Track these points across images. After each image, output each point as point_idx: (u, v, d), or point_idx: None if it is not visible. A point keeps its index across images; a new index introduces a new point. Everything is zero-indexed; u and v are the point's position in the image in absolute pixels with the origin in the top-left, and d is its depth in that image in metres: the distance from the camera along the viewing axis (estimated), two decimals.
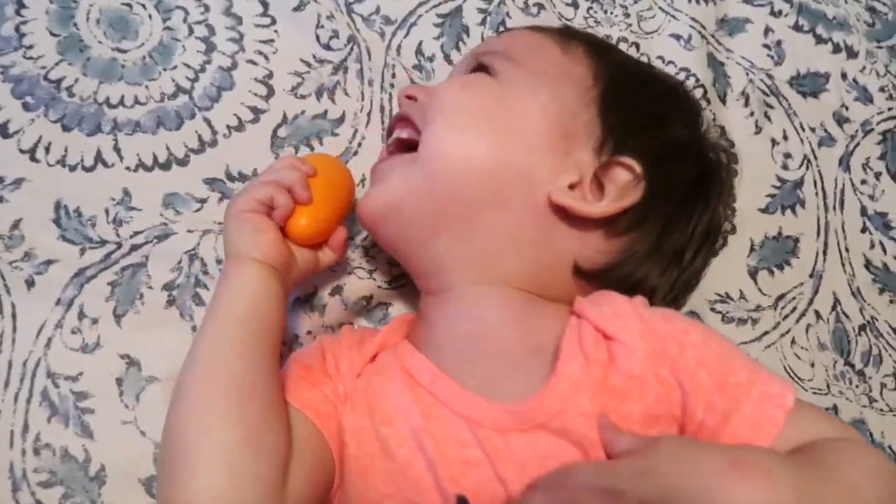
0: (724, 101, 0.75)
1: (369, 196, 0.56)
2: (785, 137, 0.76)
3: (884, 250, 0.75)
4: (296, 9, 0.68)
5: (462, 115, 0.54)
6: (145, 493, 0.52)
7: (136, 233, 0.58)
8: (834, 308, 0.72)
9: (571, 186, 0.53)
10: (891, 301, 0.74)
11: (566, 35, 0.61)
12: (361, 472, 0.48)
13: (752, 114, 0.76)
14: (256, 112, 0.63)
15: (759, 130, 0.75)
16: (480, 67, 0.58)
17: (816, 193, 0.75)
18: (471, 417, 0.46)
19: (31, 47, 0.61)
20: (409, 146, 0.56)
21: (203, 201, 0.60)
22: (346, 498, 0.49)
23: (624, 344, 0.47)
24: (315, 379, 0.51)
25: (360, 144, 0.65)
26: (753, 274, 0.71)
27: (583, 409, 0.45)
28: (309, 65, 0.66)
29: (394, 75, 0.69)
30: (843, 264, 0.74)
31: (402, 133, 0.57)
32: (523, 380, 0.48)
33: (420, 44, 0.71)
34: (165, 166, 0.60)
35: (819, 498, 0.39)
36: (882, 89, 0.81)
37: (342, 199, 0.57)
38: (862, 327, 0.72)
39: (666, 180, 0.55)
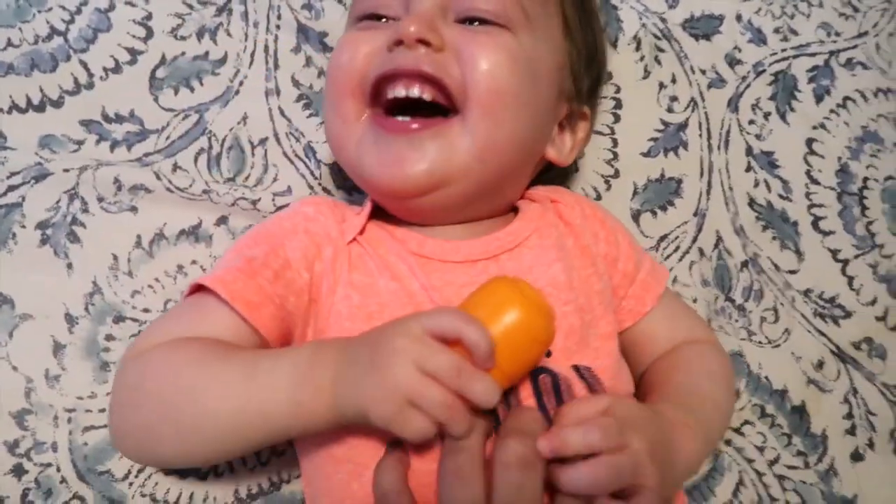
0: (615, 45, 0.76)
1: (410, 165, 0.51)
2: (673, 81, 0.76)
3: (768, 188, 0.76)
4: None
5: (516, 98, 0.52)
6: (16, 425, 0.54)
7: (13, 173, 0.59)
8: (717, 245, 0.74)
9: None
10: (773, 238, 0.75)
11: None
12: (367, 318, 0.50)
13: (642, 58, 0.76)
14: (134, 53, 0.64)
15: (647, 75, 0.76)
16: (494, 16, 0.53)
17: (700, 135, 0.76)
18: (466, 259, 0.53)
19: None
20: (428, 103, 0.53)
21: (80, 143, 0.61)
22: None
23: (566, 204, 0.60)
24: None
25: (241, 84, 0.66)
26: (636, 217, 0.72)
27: (552, 222, 0.57)
28: (191, 7, 0.66)
29: (279, 16, 0.69)
30: (726, 203, 0.75)
31: (425, 94, 0.52)
32: (497, 224, 0.57)
33: None
34: (40, 108, 0.61)
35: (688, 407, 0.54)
36: (777, 30, 0.81)
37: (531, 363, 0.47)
38: (744, 263, 0.74)
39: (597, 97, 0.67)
